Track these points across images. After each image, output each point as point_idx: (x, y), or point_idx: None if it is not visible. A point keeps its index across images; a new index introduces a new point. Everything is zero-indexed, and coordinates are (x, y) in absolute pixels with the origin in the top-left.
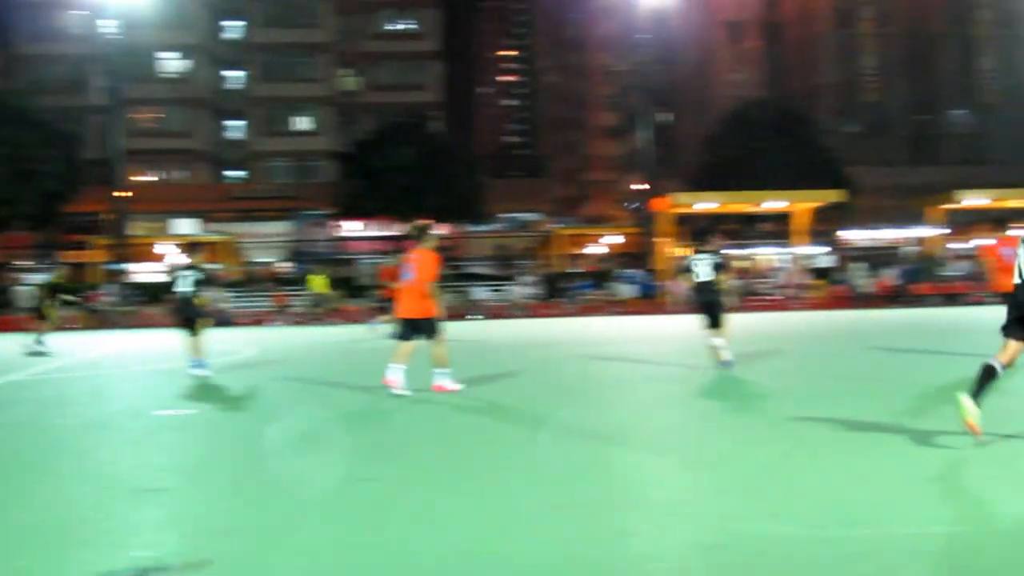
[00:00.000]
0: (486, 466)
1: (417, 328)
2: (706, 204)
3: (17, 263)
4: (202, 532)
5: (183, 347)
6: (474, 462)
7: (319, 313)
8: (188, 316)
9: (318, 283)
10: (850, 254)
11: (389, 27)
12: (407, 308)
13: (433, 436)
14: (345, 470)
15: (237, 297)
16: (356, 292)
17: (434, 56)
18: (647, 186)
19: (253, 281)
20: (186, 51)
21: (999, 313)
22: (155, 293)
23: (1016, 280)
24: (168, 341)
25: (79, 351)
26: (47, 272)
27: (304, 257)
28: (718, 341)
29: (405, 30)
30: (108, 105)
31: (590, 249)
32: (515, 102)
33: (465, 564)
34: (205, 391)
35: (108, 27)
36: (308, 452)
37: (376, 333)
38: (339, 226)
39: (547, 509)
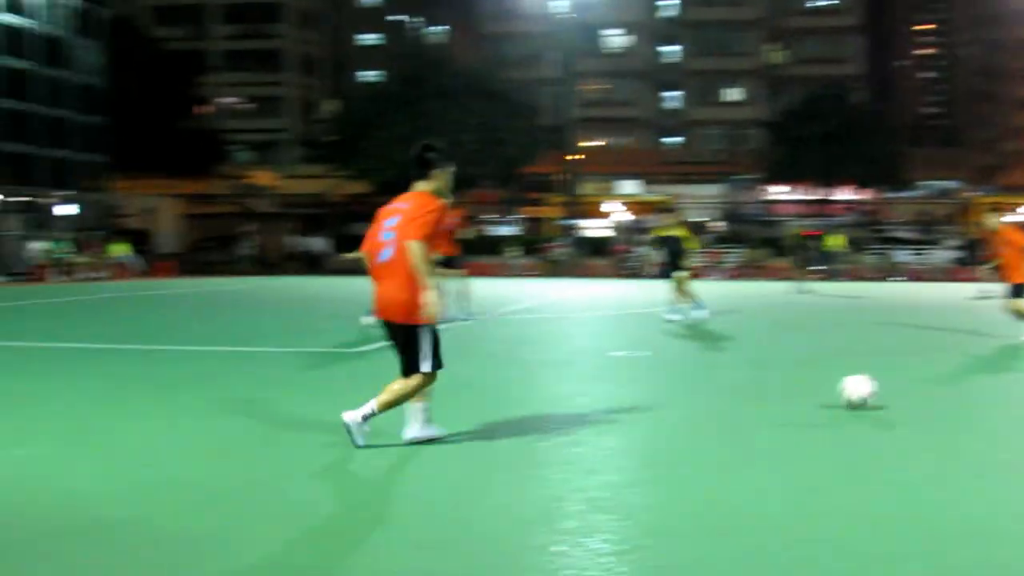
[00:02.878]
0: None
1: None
2: None
3: (484, 216)
4: (658, 462)
5: (668, 294)
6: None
7: (835, 270)
8: (668, 268)
9: (834, 241)
10: None
11: (814, 3)
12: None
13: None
14: (797, 416)
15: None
16: (783, 252)
17: (855, 30)
18: None
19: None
20: (628, 28)
21: None
22: (600, 246)
23: None
24: (613, 290)
25: (537, 296)
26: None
27: (735, 218)
28: None
29: (829, 6)
30: (561, 78)
31: (1009, 217)
32: (932, 74)
33: (929, 516)
34: (655, 336)
35: (560, 7)
36: (741, 397)
37: (804, 292)
38: (766, 190)
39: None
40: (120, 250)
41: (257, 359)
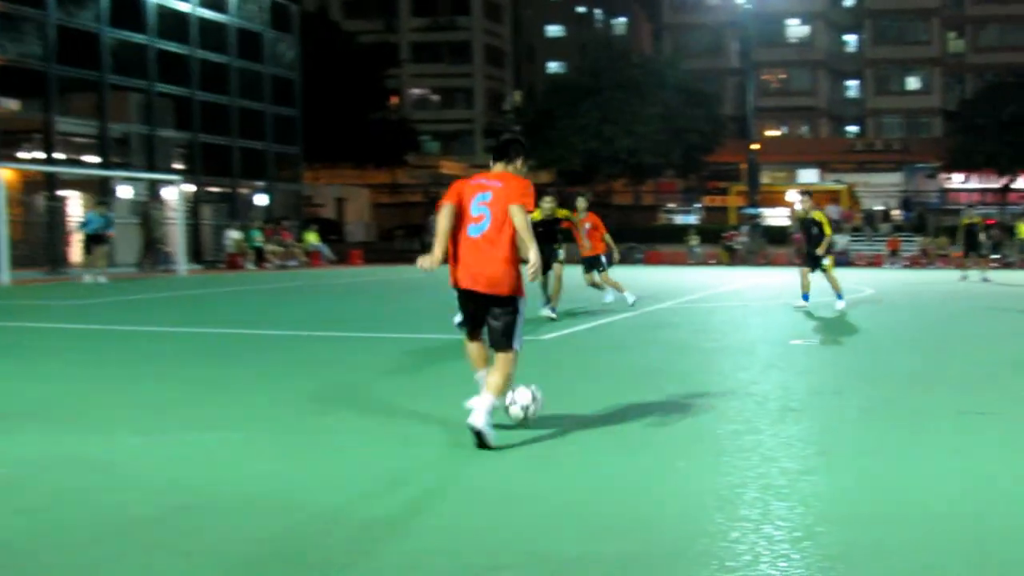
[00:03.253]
0: None
1: None
2: None
3: (666, 205)
4: (834, 450)
5: (828, 284)
6: None
7: (1015, 259)
8: (813, 256)
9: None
10: None
11: None
12: None
13: None
14: (975, 403)
15: (855, 241)
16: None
17: None
18: None
19: (870, 226)
20: (807, 17)
21: None
22: (780, 235)
23: None
24: (792, 279)
25: (718, 284)
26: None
27: (914, 206)
28: None
29: None
30: (742, 67)
31: None
32: None
33: None
34: (832, 324)
35: None
36: (919, 385)
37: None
38: (947, 178)
39: None
40: (312, 239)
41: (438, 345)
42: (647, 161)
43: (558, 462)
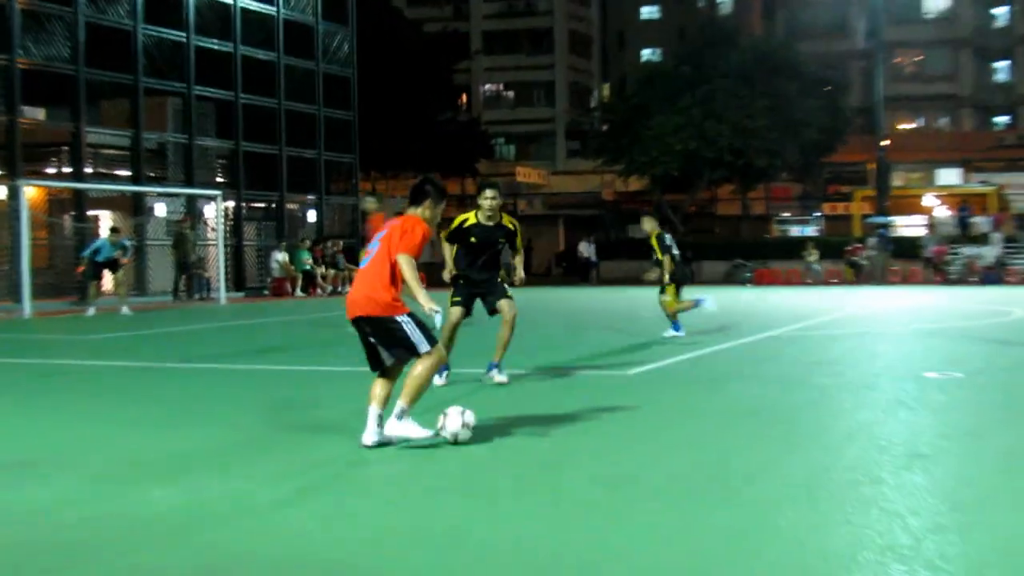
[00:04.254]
0: None
1: None
2: None
3: (781, 214)
4: (968, 503)
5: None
6: None
7: None
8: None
9: None
10: None
11: None
12: None
13: None
14: None
15: (1009, 253)
16: None
17: None
18: None
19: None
20: None
21: None
22: (915, 248)
23: None
24: (929, 300)
25: (840, 307)
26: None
27: None
28: None
29: None
30: (869, 49)
31: None
32: None
33: None
34: (976, 354)
35: None
36: None
37: None
38: None
39: None
40: None
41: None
42: (757, 163)
43: (642, 519)
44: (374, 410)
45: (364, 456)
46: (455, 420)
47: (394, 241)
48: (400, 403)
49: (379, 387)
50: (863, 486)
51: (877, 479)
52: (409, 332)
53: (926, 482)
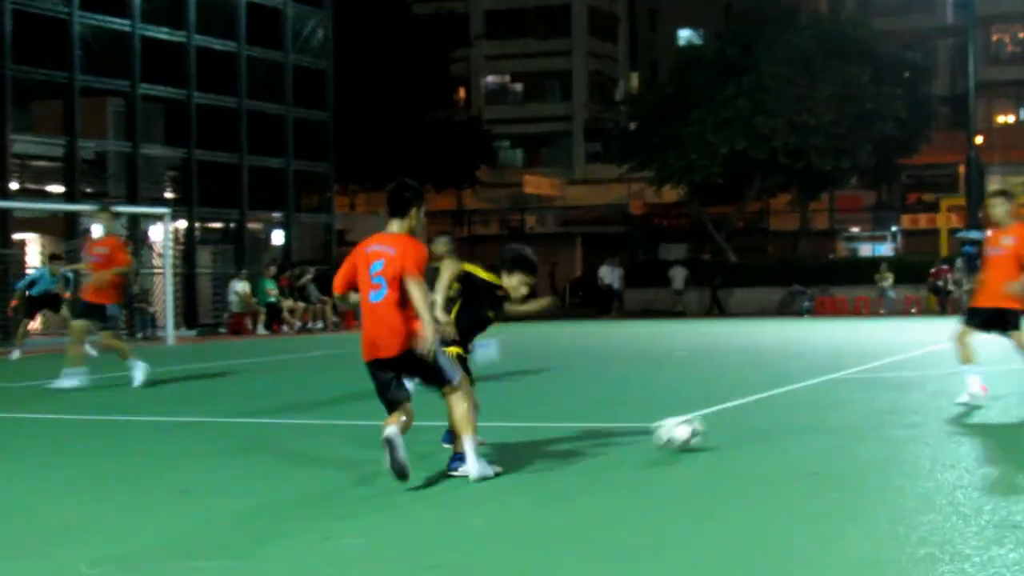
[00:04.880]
0: None
1: None
2: None
3: (849, 229)
4: None
5: None
6: None
7: None
8: None
9: None
10: None
11: None
12: None
13: None
14: None
15: None
16: None
17: None
18: None
19: None
20: None
21: None
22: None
23: None
24: None
25: (921, 343)
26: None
27: None
28: None
29: None
30: (958, 25)
31: None
32: None
33: None
34: None
35: None
36: None
37: None
38: None
39: None
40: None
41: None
42: (820, 166)
43: None
44: (469, 442)
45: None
46: (684, 429)
47: (402, 265)
48: (470, 440)
49: (404, 415)
50: (941, 563)
51: (959, 555)
52: (443, 362)
53: (1020, 559)
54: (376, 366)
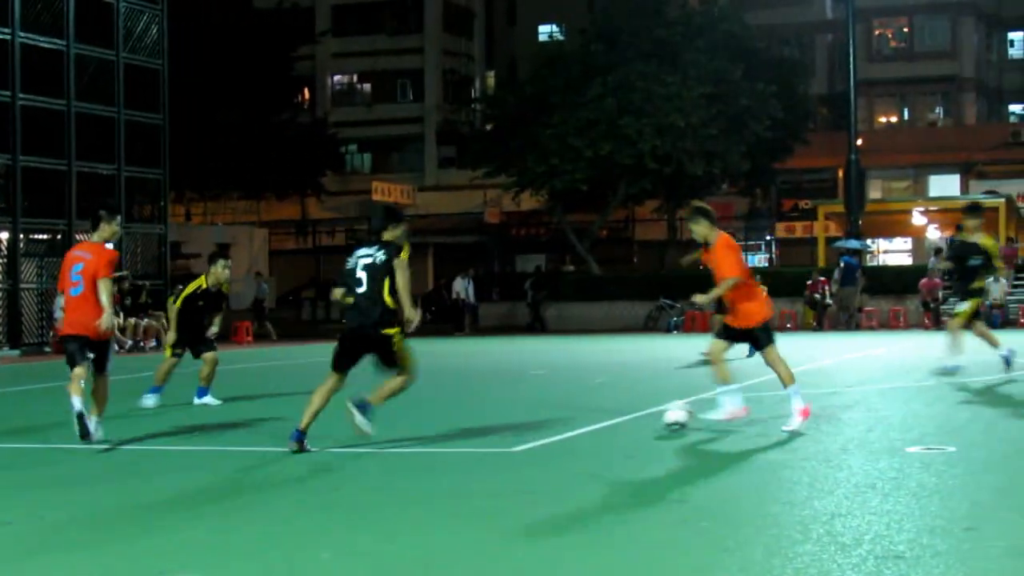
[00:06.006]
0: None
1: None
2: None
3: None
4: None
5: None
6: None
7: None
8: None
9: None
10: None
11: None
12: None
13: None
14: None
15: (1018, 287)
16: None
17: None
18: None
19: None
20: None
21: None
22: (898, 282)
23: None
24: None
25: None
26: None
27: None
28: None
29: None
30: (838, 20)
31: None
32: None
33: None
34: (971, 422)
35: None
36: None
37: None
38: None
39: None
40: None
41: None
42: (690, 171)
43: None
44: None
45: None
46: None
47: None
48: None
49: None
50: None
51: None
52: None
53: None
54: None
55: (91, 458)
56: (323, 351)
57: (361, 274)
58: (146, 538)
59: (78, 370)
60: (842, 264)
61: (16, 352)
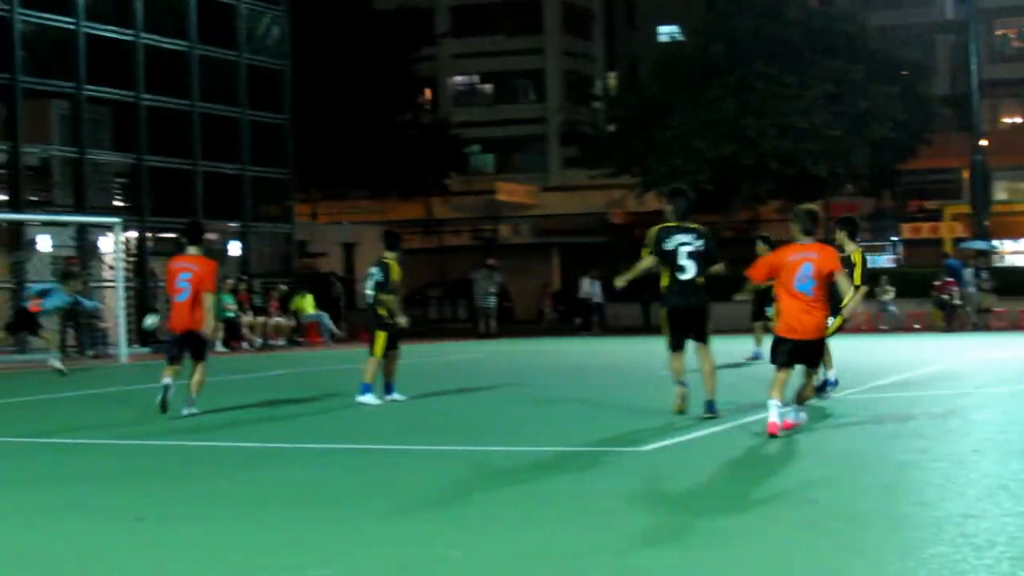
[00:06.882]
0: None
1: None
2: None
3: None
4: None
5: None
6: None
7: None
8: None
9: None
10: None
11: None
12: None
13: None
14: None
15: None
16: None
17: None
18: None
19: None
20: None
21: None
22: None
23: None
24: None
25: (925, 361)
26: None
27: None
28: None
29: None
30: (959, 20)
31: None
32: None
33: None
34: None
35: None
36: None
37: None
38: None
39: None
40: (307, 306)
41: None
42: (813, 172)
43: None
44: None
45: None
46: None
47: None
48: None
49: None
50: None
51: None
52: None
53: None
54: None
55: (230, 453)
56: (455, 349)
57: (686, 261)
58: (275, 532)
59: (176, 366)
60: (947, 266)
61: (147, 349)
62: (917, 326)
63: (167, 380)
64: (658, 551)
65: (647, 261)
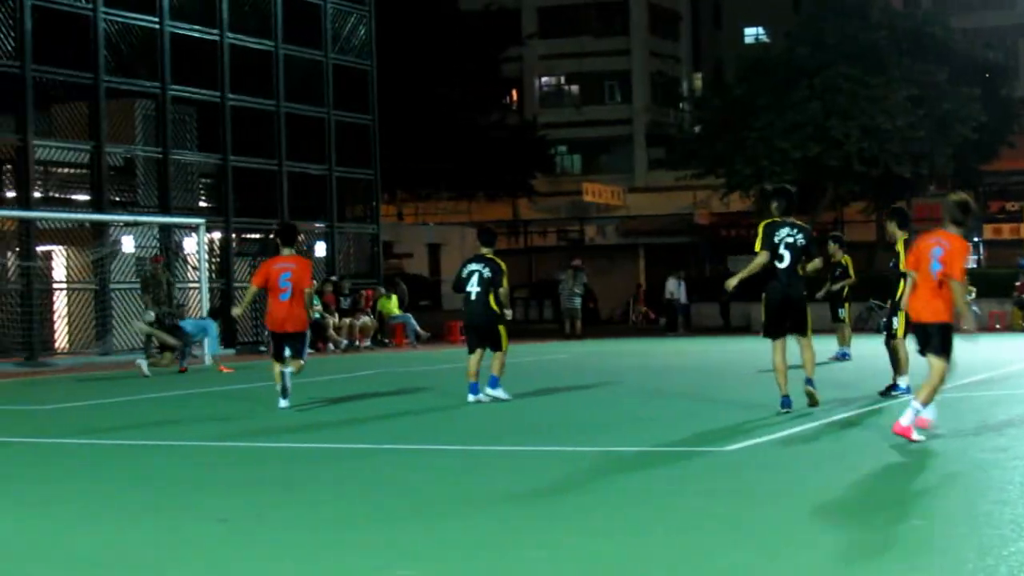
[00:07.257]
0: None
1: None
2: None
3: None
4: None
5: None
6: None
7: None
8: None
9: None
10: None
11: None
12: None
13: None
14: None
15: None
16: None
17: None
18: None
19: None
20: None
21: None
22: None
23: None
24: None
25: (1007, 361)
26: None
27: None
28: None
29: None
30: None
31: None
32: None
33: None
34: None
35: None
36: None
37: None
38: None
39: None
40: (392, 307)
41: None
42: (897, 173)
43: None
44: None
45: None
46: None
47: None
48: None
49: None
50: None
51: None
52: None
53: None
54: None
55: (309, 454)
56: (546, 350)
57: (786, 251)
58: (360, 534)
59: (282, 363)
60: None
61: (232, 350)
62: (998, 326)
63: (286, 369)
64: (740, 551)
65: (761, 258)
